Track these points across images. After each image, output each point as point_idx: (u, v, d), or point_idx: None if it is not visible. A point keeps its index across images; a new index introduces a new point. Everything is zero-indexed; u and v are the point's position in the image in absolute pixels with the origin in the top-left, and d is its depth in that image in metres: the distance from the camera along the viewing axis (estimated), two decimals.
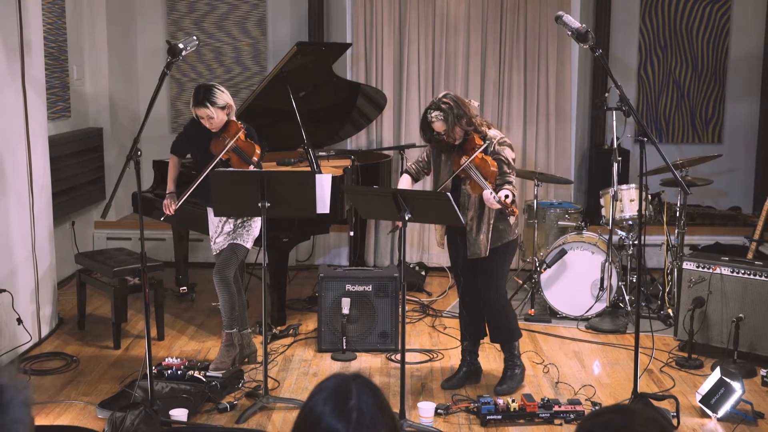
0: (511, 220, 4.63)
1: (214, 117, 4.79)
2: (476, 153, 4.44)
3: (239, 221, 4.96)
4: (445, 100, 4.51)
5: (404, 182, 4.85)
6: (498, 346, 5.00)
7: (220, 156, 4.76)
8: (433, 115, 4.51)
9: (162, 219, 5.13)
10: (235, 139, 4.76)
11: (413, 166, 4.89)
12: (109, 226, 7.38)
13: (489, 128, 4.63)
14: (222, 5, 7.68)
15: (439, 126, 4.52)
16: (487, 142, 4.52)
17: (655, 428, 1.67)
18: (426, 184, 6.18)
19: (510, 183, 4.52)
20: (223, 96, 4.82)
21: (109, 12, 7.29)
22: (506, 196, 4.33)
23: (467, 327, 4.92)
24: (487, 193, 4.33)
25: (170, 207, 4.99)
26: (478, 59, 7.15)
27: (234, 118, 4.90)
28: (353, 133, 7.03)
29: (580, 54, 7.27)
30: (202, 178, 4.71)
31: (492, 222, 4.61)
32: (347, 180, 5.95)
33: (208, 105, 4.76)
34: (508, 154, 4.56)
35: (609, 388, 4.88)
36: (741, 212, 7.69)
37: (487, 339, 5.01)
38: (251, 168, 4.75)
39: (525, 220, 6.62)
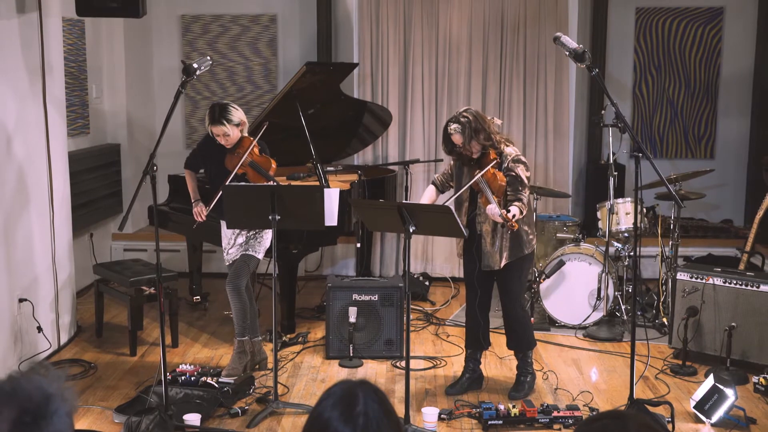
0: (527, 233, 4.62)
1: (230, 134, 4.81)
2: (487, 168, 4.43)
3: (251, 233, 4.96)
4: (465, 114, 4.51)
5: (429, 193, 4.84)
6: (502, 353, 5.00)
7: (236, 170, 4.77)
8: (452, 127, 4.51)
9: (194, 227, 5.10)
10: (249, 153, 4.78)
11: (439, 178, 4.88)
12: (126, 238, 7.40)
13: (507, 145, 4.61)
14: (234, 27, 7.72)
15: (457, 138, 4.52)
16: (500, 158, 4.51)
17: None
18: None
19: (521, 200, 4.50)
20: (238, 113, 4.84)
21: (126, 33, 7.33)
22: (508, 211, 4.33)
23: (474, 336, 4.91)
24: (491, 207, 4.34)
25: (202, 213, 4.99)
26: (479, 78, 7.17)
27: (247, 134, 4.93)
28: (360, 148, 7.04)
29: (578, 73, 7.28)
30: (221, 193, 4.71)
31: (507, 236, 4.60)
32: (354, 194, 5.96)
33: (225, 122, 4.78)
34: (522, 171, 4.53)
35: (606, 394, 4.87)
36: (733, 225, 7.67)
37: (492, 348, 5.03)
38: (270, 182, 4.76)
39: None
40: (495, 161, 4.46)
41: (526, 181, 4.55)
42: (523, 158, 4.60)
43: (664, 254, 6.08)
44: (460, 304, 6.63)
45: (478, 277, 4.75)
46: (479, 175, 4.43)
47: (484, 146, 4.54)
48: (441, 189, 4.89)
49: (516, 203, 4.47)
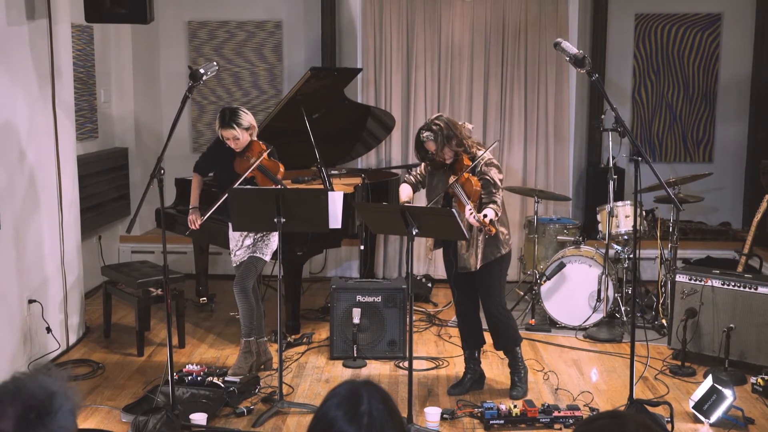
0: (503, 233, 4.61)
1: (239, 138, 4.82)
2: (462, 173, 4.45)
3: (259, 235, 4.97)
4: (436, 122, 4.52)
5: (406, 190, 4.80)
6: (501, 352, 5.00)
7: (246, 174, 4.78)
8: (424, 135, 4.53)
9: (187, 234, 5.12)
10: (260, 158, 4.79)
11: (412, 178, 4.87)
12: (133, 240, 7.41)
13: (479, 150, 4.62)
14: (240, 33, 7.73)
15: (430, 146, 4.54)
16: (474, 162, 4.52)
17: None
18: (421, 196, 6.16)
19: (495, 203, 4.50)
20: (247, 118, 4.85)
21: (134, 39, 7.35)
22: (485, 216, 4.33)
23: (466, 337, 4.92)
24: (467, 211, 4.34)
25: (195, 222, 5.00)
26: (481, 83, 7.17)
27: (256, 139, 4.93)
28: (363, 152, 7.04)
29: (578, 78, 7.28)
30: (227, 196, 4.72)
31: (482, 238, 4.60)
32: (358, 197, 5.96)
33: (234, 126, 4.79)
34: (495, 174, 4.53)
35: (606, 394, 4.86)
36: (731, 227, 7.66)
37: (485, 346, 5.02)
38: (278, 186, 4.77)
39: (526, 235, 6.62)
40: (468, 167, 4.47)
41: (499, 183, 4.55)
42: (495, 161, 4.61)
43: (663, 256, 6.08)
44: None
45: (455, 278, 4.76)
46: (455, 180, 4.43)
47: (457, 152, 4.55)
48: (415, 187, 4.86)
49: (491, 206, 4.47)
